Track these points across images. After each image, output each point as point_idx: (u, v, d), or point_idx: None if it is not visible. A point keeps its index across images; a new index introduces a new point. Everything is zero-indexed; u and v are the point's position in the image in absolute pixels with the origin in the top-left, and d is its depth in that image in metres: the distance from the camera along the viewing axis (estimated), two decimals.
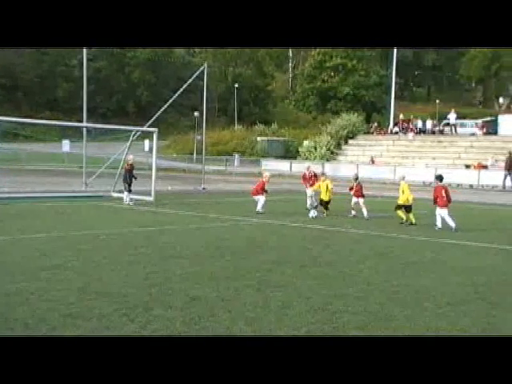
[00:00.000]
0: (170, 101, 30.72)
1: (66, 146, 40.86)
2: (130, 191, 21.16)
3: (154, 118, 28.99)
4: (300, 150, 56.75)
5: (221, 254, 11.05)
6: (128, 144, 25.98)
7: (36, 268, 8.94)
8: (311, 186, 20.49)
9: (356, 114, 59.74)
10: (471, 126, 53.85)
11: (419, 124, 55.72)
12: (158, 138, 25.46)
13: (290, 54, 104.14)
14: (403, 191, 17.42)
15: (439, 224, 16.12)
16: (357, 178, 19.82)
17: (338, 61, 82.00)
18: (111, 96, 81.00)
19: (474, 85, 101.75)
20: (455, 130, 52.80)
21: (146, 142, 47.86)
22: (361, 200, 18.86)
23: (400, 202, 17.40)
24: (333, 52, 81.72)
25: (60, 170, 21.08)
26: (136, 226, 14.68)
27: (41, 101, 76.25)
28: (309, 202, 20.46)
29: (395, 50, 57.77)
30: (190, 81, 31.31)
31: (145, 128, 27.67)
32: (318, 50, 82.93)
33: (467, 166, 43.15)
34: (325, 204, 19.13)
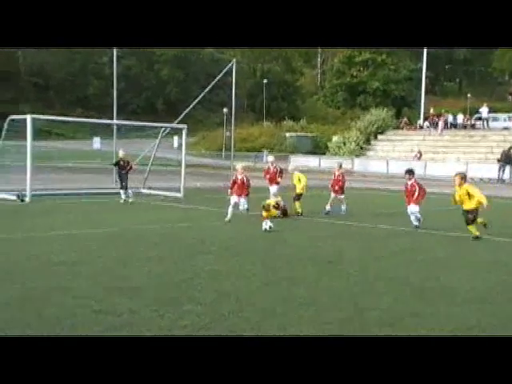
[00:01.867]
0: (199, 97, 30.84)
1: (96, 143, 41.32)
2: (125, 188, 20.04)
3: (183, 114, 29.14)
4: (329, 145, 56.51)
5: (249, 249, 11.08)
6: (157, 141, 26.18)
7: (65, 264, 9.07)
8: (276, 183, 17.65)
9: (385, 109, 59.19)
10: (504, 120, 52.94)
11: (450, 118, 54.97)
12: (187, 135, 25.59)
13: (319, 50, 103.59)
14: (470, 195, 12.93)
15: (416, 223, 14.41)
16: (341, 166, 18.39)
17: (368, 55, 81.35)
18: (141, 93, 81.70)
19: (507, 78, 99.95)
20: (487, 124, 51.96)
21: (175, 138, 48.13)
22: (339, 196, 17.48)
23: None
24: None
25: (91, 167, 21.38)
26: (165, 222, 14.80)
27: (72, 99, 77.28)
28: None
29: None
30: (219, 77, 31.37)
31: (174, 125, 27.84)
32: None
33: (499, 161, 42.44)
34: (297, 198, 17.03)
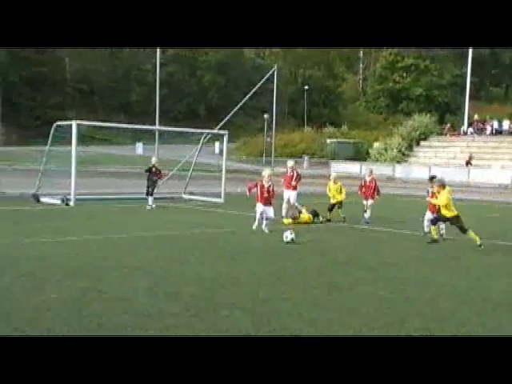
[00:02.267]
0: (241, 103, 31.01)
1: (139, 148, 41.92)
2: (151, 194, 19.87)
3: (225, 120, 29.34)
4: (370, 151, 55.99)
5: (288, 255, 11.05)
6: (199, 146, 26.40)
7: (107, 268, 9.20)
8: (293, 188, 17.12)
9: (428, 115, 58.33)
10: None
11: (495, 125, 53.81)
12: (228, 141, 25.74)
13: (361, 55, 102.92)
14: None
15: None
16: (371, 172, 17.86)
17: (411, 61, 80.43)
18: (182, 99, 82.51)
19: None
20: None
21: (217, 144, 48.50)
22: (370, 201, 17.10)
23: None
24: (404, 52, 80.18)
25: (133, 172, 21.72)
26: (206, 227, 14.88)
27: (115, 105, 78.61)
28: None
29: (471, 48, 56.01)
30: (261, 83, 31.51)
31: (215, 131, 28.04)
32: (389, 50, 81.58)
33: None
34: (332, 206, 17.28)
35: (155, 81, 28.64)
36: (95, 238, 12.29)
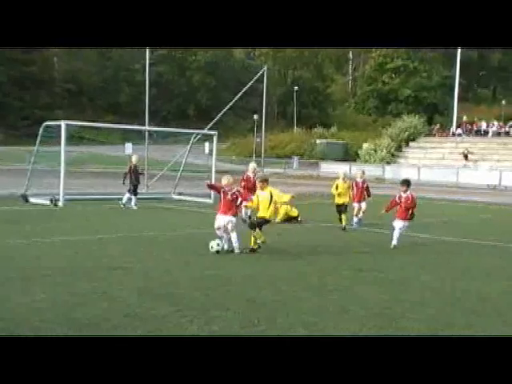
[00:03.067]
0: (230, 104, 30.97)
1: (128, 148, 41.76)
2: (135, 194, 19.55)
3: (214, 121, 29.30)
4: (359, 152, 56.19)
5: (281, 256, 11.04)
6: (188, 147, 26.34)
7: (97, 268, 9.15)
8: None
9: (417, 116, 58.64)
10: None
11: (483, 126, 54.20)
12: (218, 141, 25.69)
13: (351, 57, 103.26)
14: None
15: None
16: (363, 173, 16.83)
17: (400, 62, 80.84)
18: (172, 99, 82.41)
19: None
20: None
21: (206, 144, 48.37)
22: (363, 204, 16.17)
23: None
24: (394, 53, 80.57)
25: (123, 172, 21.73)
26: (195, 228, 14.85)
27: (104, 105, 78.37)
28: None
29: (459, 50, 56.36)
30: (250, 84, 31.48)
31: (205, 131, 27.98)
32: (378, 51, 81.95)
33: None
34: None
35: (144, 81, 28.52)
36: (84, 239, 12.22)
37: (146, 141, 27.77)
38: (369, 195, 16.58)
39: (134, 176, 19.69)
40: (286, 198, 11.65)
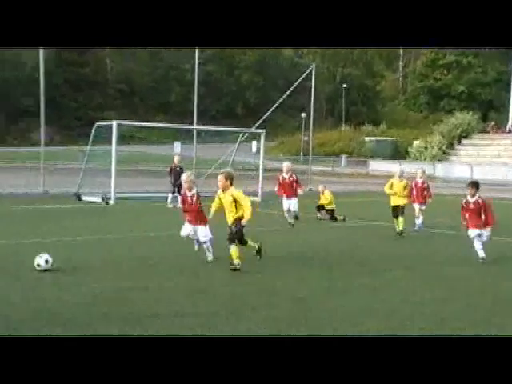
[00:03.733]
0: (278, 102, 30.99)
1: (177, 147, 42.32)
2: (178, 193, 18.92)
3: (262, 119, 29.39)
4: (410, 150, 55.31)
5: (324, 255, 11.01)
6: (236, 145, 26.51)
7: (148, 266, 9.32)
8: (294, 195, 14.88)
9: (471, 113, 57.25)
10: None
11: None
12: (266, 139, 25.77)
13: (401, 53, 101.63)
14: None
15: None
16: (424, 172, 15.44)
17: (453, 58, 79.05)
18: (221, 98, 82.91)
19: None
20: None
21: (254, 143, 48.58)
22: (423, 206, 14.95)
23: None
24: (446, 49, 78.85)
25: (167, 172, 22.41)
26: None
27: (155, 105, 79.52)
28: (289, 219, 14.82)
29: None
30: (298, 82, 31.43)
31: (253, 130, 28.11)
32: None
33: None
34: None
35: (194, 80, 28.84)
36: (133, 236, 12.47)
37: (195, 140, 28.09)
38: (430, 196, 15.21)
39: (174, 176, 19.54)
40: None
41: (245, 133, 27.24)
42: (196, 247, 9.99)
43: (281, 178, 15.03)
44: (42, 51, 24.26)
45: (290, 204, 14.69)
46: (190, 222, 9.67)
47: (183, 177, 9.98)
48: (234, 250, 9.03)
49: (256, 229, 14.44)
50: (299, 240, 12.98)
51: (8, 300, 6.87)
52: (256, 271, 9.11)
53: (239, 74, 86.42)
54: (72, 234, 12.34)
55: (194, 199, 9.68)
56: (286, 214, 14.75)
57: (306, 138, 50.91)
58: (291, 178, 14.77)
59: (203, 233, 9.56)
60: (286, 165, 15.17)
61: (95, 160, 23.98)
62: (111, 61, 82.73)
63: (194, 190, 9.78)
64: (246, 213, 9.00)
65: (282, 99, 31.35)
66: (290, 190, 14.66)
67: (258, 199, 22.68)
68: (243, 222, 9.05)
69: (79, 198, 20.66)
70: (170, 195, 19.54)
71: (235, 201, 9.08)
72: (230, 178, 9.15)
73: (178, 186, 19.62)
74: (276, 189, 15.41)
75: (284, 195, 14.75)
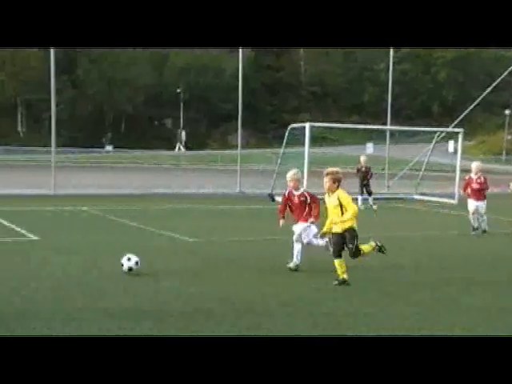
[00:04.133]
0: (478, 99, 29.18)
1: (369, 148, 41.92)
2: (369, 194, 19.30)
3: (460, 117, 27.90)
4: None
5: (413, 262, 10.07)
6: (431, 145, 25.50)
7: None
8: (483, 197, 13.57)
9: None
10: None
11: None
12: (464, 139, 24.44)
13: None
14: None
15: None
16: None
17: None
18: (415, 97, 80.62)
19: None
20: None
21: (451, 142, 46.43)
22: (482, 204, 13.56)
23: None
24: None
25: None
26: (436, 230, 14.29)
27: (348, 106, 79.75)
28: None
29: None
30: (502, 77, 29.32)
31: (449, 129, 26.81)
32: None
33: None
34: None
35: (388, 80, 28.31)
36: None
37: (388, 140, 27.55)
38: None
39: (361, 177, 19.37)
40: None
41: (441, 132, 26.07)
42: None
43: (467, 177, 13.98)
44: (240, 57, 25.51)
45: (478, 206, 13.54)
46: (298, 219, 8.86)
47: (288, 174, 9.04)
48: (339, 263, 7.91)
49: (449, 232, 13.72)
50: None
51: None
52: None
53: (436, 72, 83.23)
54: (255, 234, 12.73)
55: (302, 199, 8.82)
56: (470, 217, 13.72)
57: (509, 137, 47.43)
58: (479, 180, 13.62)
59: (313, 230, 8.77)
60: (475, 165, 14.10)
61: (289, 162, 24.61)
62: (305, 63, 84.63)
63: (301, 190, 9.02)
64: (350, 217, 7.77)
65: (482, 96, 29.45)
66: (477, 192, 13.53)
67: (454, 201, 21.57)
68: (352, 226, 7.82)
69: (273, 199, 21.35)
70: (359, 197, 19.24)
71: (341, 205, 7.85)
72: (337, 180, 7.92)
73: (364, 186, 19.45)
74: (462, 190, 14.35)
75: (472, 197, 13.61)
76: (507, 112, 51.97)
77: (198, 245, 11.18)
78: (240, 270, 8.80)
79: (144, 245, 10.65)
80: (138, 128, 78.98)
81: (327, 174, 7.92)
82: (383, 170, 27.65)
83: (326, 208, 8.10)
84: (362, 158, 20.24)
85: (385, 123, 28.87)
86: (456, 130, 24.46)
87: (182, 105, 77.87)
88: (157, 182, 26.19)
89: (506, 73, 29.62)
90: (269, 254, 10.30)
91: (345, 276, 7.87)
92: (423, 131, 28.40)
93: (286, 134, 22.66)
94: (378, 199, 20.09)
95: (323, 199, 8.23)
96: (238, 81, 25.75)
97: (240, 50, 25.97)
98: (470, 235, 13.40)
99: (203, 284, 7.75)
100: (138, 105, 78.53)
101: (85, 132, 68.65)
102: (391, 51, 28.36)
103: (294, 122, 26.82)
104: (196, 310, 6.46)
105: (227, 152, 52.00)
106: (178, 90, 77.38)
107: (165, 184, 25.66)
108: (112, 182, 25.18)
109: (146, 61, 78.92)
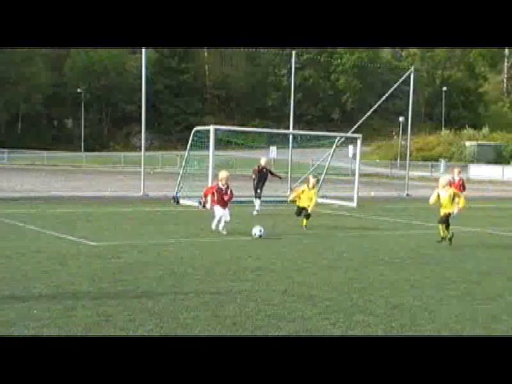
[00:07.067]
0: (375, 106, 30.48)
1: (273, 152, 42.67)
2: (259, 197, 19.00)
3: (359, 123, 29.01)
4: None
5: (425, 262, 10.68)
6: (332, 150, 26.32)
7: (242, 269, 9.42)
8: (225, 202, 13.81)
9: None
10: None
11: None
12: (362, 144, 25.42)
13: (506, 53, 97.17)
14: None
15: None
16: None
17: None
18: (317, 103, 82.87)
19: None
20: None
21: (350, 147, 48.13)
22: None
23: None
24: None
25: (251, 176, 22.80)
26: (338, 231, 14.79)
27: (252, 110, 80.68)
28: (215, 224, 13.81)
29: None
30: (396, 86, 30.78)
31: (349, 134, 27.83)
32: None
33: None
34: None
35: (290, 85, 28.95)
36: (228, 239, 12.65)
37: (290, 144, 28.16)
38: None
39: (258, 178, 19.12)
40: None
41: (341, 137, 27.00)
42: (222, 225, 13.26)
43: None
44: (144, 57, 25.14)
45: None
46: (222, 207, 13.42)
47: (222, 173, 13.80)
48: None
49: (351, 233, 14.23)
50: None
51: None
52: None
53: (336, 78, 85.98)
54: (169, 236, 12.68)
55: (229, 191, 13.65)
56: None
57: (403, 143, 49.84)
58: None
59: (228, 215, 13.40)
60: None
61: (193, 164, 24.57)
62: (209, 67, 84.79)
63: (227, 185, 13.65)
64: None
65: (378, 103, 30.81)
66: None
67: (353, 204, 22.40)
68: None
69: (178, 202, 21.24)
70: (256, 201, 18.89)
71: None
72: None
73: (259, 188, 19.01)
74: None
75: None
76: (401, 119, 54.56)
77: (101, 249, 10.98)
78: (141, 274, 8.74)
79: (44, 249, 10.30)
80: (36, 128, 75.99)
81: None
82: (286, 173, 28.24)
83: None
84: (263, 160, 20.07)
85: (288, 127, 29.52)
86: (355, 135, 25.43)
87: (82, 105, 75.64)
88: (55, 185, 25.34)
89: (399, 82, 31.15)
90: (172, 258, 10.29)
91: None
92: (324, 136, 29.30)
93: (191, 136, 22.63)
94: (281, 202, 20.44)
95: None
96: (141, 82, 25.39)
97: (143, 50, 25.59)
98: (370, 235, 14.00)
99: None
100: (35, 104, 75.56)
101: None
102: (293, 56, 29.00)
103: (199, 124, 26.84)
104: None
105: (131, 154, 51.06)
106: (79, 90, 75.13)
107: (64, 186, 24.87)
108: (7, 184, 24.08)
109: (44, 59, 76.18)
